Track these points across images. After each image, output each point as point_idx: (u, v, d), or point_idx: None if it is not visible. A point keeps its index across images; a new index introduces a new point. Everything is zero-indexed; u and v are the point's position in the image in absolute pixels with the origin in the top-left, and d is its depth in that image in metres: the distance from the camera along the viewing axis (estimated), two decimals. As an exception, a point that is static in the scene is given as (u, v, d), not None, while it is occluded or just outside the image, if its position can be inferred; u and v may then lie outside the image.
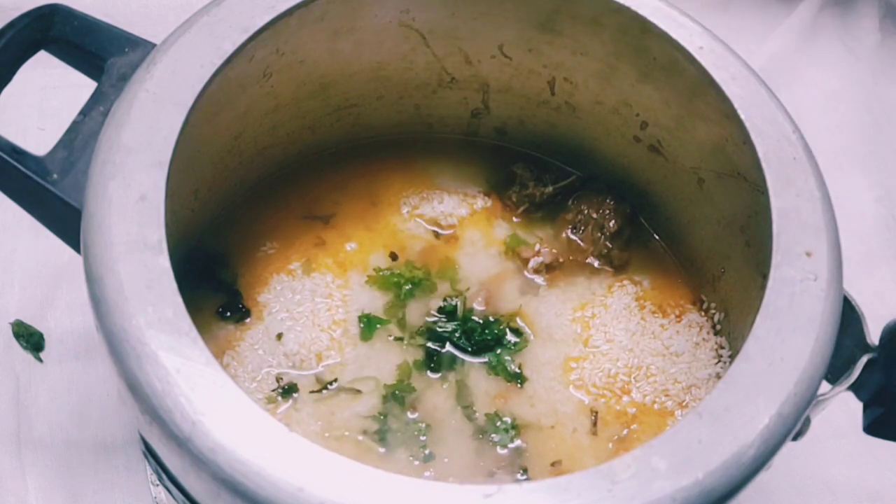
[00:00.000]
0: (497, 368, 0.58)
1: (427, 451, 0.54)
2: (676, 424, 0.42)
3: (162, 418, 0.40)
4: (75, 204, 0.48)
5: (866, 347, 0.48)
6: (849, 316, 0.48)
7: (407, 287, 0.59)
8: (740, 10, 0.92)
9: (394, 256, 0.61)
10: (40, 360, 0.67)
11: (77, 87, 0.55)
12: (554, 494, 0.40)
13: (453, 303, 0.60)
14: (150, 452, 0.46)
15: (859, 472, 0.67)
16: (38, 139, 0.51)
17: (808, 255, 0.47)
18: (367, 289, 0.60)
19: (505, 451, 0.55)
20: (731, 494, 0.41)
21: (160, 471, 0.46)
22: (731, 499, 0.41)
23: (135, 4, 0.77)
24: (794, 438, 0.44)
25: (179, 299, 0.42)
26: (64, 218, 0.49)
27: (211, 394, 0.40)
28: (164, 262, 0.43)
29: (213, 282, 0.59)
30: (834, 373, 0.49)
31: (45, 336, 0.68)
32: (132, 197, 0.45)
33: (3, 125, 0.52)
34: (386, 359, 0.58)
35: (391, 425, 0.55)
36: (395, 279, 0.60)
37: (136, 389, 0.41)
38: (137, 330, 0.41)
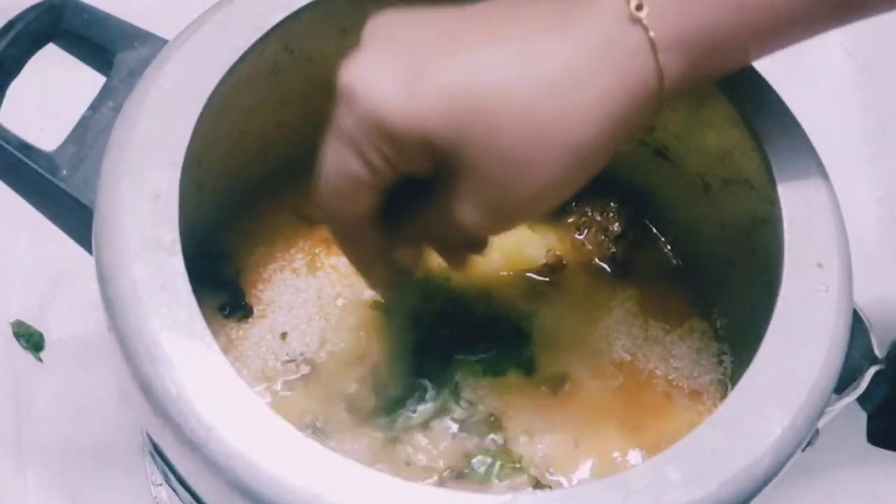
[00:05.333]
0: (497, 370, 0.58)
1: (429, 452, 0.54)
2: (689, 434, 0.42)
3: (176, 422, 0.40)
4: (85, 201, 0.47)
5: (874, 359, 0.48)
6: (857, 327, 0.48)
7: (409, 313, 0.59)
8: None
9: None
10: (40, 360, 0.67)
11: (77, 87, 0.54)
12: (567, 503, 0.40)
13: (455, 304, 0.60)
14: (158, 453, 0.46)
15: (859, 473, 0.68)
16: (38, 139, 0.50)
17: (820, 266, 0.47)
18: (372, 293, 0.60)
19: (505, 453, 0.55)
20: (743, 505, 0.42)
21: (168, 472, 0.46)
22: (742, 509, 0.42)
23: (138, 5, 0.76)
24: (804, 449, 0.45)
25: (194, 301, 0.42)
26: (73, 214, 0.48)
27: (227, 398, 0.40)
28: (179, 262, 0.43)
29: (216, 279, 0.59)
30: (839, 384, 0.49)
31: (45, 336, 0.68)
32: (146, 196, 0.44)
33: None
34: (390, 358, 0.57)
35: (394, 425, 0.55)
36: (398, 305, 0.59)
37: (149, 392, 0.40)
38: (152, 332, 0.41)
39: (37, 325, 0.68)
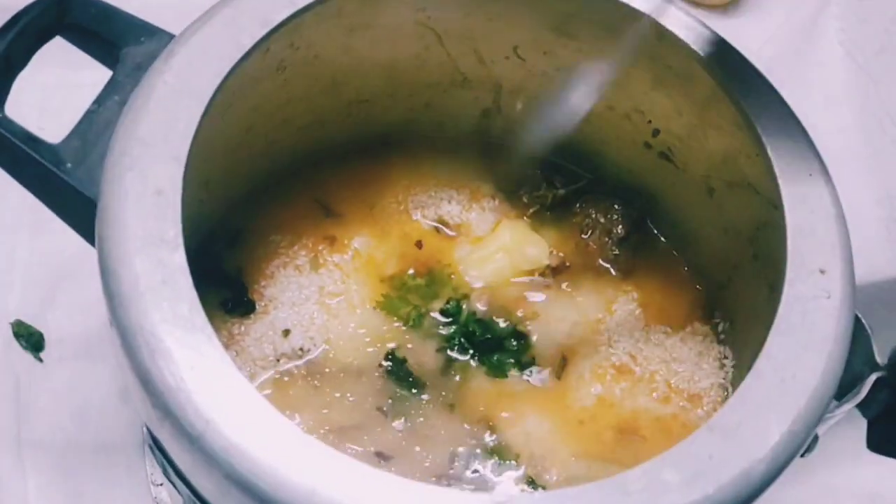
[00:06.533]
0: (497, 371, 0.58)
1: (429, 453, 0.54)
2: (688, 438, 0.42)
3: (175, 415, 0.40)
4: (89, 194, 0.47)
5: (874, 366, 0.48)
6: (858, 334, 0.48)
7: (414, 314, 0.59)
8: (741, 11, 0.92)
9: (419, 245, 0.62)
10: (40, 359, 0.67)
11: (77, 87, 0.54)
12: (565, 504, 0.40)
13: (457, 305, 0.60)
14: (157, 447, 0.46)
15: (860, 472, 0.68)
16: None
17: (822, 272, 0.47)
18: (374, 291, 0.60)
19: (503, 451, 0.55)
20: (739, 510, 0.41)
21: (167, 466, 0.46)
22: (739, 514, 0.42)
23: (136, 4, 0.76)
24: (802, 455, 0.45)
25: (195, 296, 0.42)
26: (77, 207, 0.48)
27: (225, 392, 0.40)
28: (181, 257, 0.43)
29: (219, 274, 0.59)
30: (840, 390, 0.49)
31: (45, 336, 0.68)
32: (149, 191, 0.44)
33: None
34: (392, 358, 0.57)
35: (393, 426, 0.55)
36: (403, 306, 0.59)
37: (148, 385, 0.40)
38: (152, 325, 0.41)
39: (37, 325, 0.68)
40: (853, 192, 0.81)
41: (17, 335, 0.67)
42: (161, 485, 0.61)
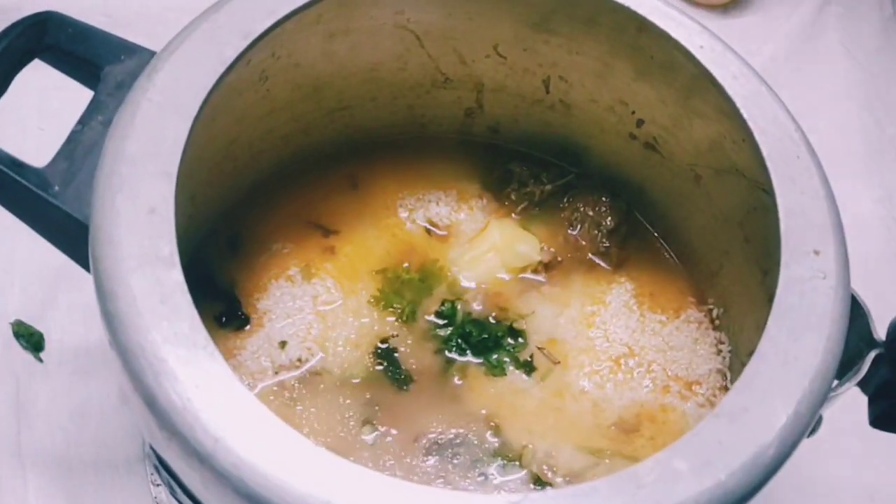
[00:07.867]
0: (496, 370, 0.58)
1: (432, 456, 0.54)
2: (696, 426, 0.42)
3: (183, 435, 0.39)
4: (78, 216, 0.47)
5: (872, 343, 0.49)
6: (855, 312, 0.48)
7: (409, 309, 0.59)
8: (740, 11, 0.93)
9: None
10: (40, 360, 0.66)
11: (77, 87, 0.54)
12: (579, 500, 0.40)
13: (452, 306, 0.60)
14: (163, 467, 0.46)
15: (860, 470, 0.68)
16: (39, 140, 0.50)
17: (816, 253, 0.47)
18: (368, 294, 0.59)
19: (505, 450, 0.55)
20: (751, 494, 0.42)
21: (174, 485, 0.46)
22: (751, 498, 0.42)
23: (135, 5, 0.76)
24: (808, 436, 0.45)
25: (195, 313, 0.42)
26: (67, 231, 0.48)
27: (232, 409, 0.40)
28: (178, 275, 0.42)
29: (211, 289, 0.58)
30: (840, 369, 0.49)
31: (45, 336, 0.67)
32: (141, 209, 0.44)
33: (3, 126, 0.51)
34: (390, 361, 0.57)
35: (395, 430, 0.55)
36: (396, 300, 0.59)
37: (154, 406, 0.40)
38: (153, 346, 0.41)
39: (37, 325, 0.67)
40: (853, 192, 0.82)
41: (17, 335, 0.66)
42: (160, 485, 0.60)
